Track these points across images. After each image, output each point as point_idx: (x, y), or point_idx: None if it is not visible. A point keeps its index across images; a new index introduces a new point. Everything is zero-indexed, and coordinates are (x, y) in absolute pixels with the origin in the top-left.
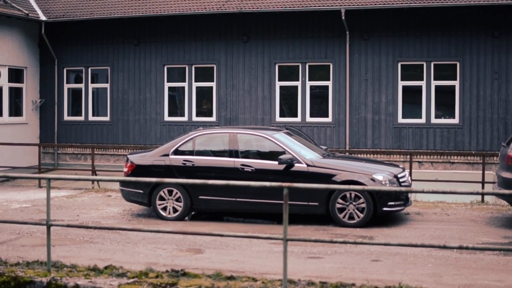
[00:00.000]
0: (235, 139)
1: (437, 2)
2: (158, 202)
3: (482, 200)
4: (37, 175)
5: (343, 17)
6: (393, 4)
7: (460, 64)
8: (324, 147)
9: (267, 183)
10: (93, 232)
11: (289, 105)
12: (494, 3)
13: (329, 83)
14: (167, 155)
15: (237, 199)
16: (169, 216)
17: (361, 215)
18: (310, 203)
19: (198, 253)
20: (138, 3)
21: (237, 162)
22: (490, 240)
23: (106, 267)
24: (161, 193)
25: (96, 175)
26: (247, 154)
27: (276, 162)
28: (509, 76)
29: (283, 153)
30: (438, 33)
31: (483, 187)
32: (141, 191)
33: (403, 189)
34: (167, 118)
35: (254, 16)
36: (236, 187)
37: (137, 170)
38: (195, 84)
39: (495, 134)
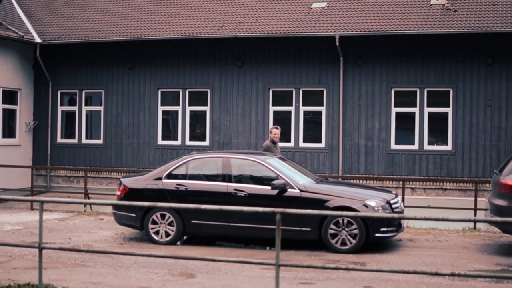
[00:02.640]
0: (228, 163)
1: (431, 29)
2: (150, 226)
3: (475, 227)
4: (29, 198)
5: (337, 43)
6: (387, 31)
7: (453, 91)
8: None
9: (260, 208)
10: (85, 255)
11: (282, 130)
12: (487, 31)
13: (322, 109)
14: (160, 179)
15: (230, 224)
16: (161, 240)
17: (354, 241)
18: (302, 229)
19: (190, 278)
20: (133, 27)
21: (230, 186)
22: (482, 267)
23: None
24: (154, 217)
25: (88, 198)
26: (240, 179)
27: (269, 187)
28: (502, 103)
29: (276, 178)
30: (431, 59)
31: (475, 214)
32: (133, 215)
33: (395, 215)
34: (160, 141)
35: (248, 41)
36: (228, 212)
37: (130, 193)
38: (188, 108)
39: (488, 161)
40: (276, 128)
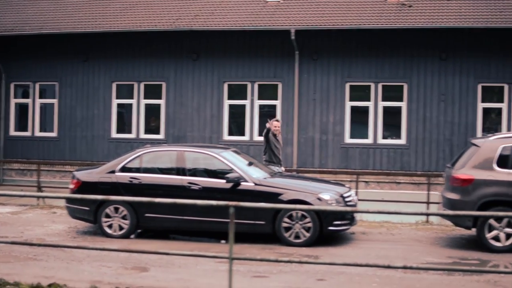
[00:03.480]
0: (182, 157)
1: (386, 24)
2: (104, 219)
3: (427, 221)
4: None
5: (292, 37)
6: (342, 25)
7: (408, 86)
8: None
9: (214, 202)
10: (37, 249)
11: (237, 124)
12: (441, 26)
13: (277, 103)
14: (114, 172)
15: (184, 217)
16: (114, 233)
17: (307, 234)
18: (256, 222)
19: (144, 271)
20: (88, 19)
21: (184, 180)
22: (434, 260)
23: (49, 285)
24: (107, 210)
25: (42, 191)
26: (194, 172)
27: (224, 181)
28: (455, 98)
29: (231, 171)
30: (386, 54)
31: (428, 208)
32: (87, 208)
33: (348, 209)
34: (114, 135)
35: (204, 34)
36: (182, 205)
37: (83, 187)
38: (143, 101)
39: (441, 155)
40: (277, 120)
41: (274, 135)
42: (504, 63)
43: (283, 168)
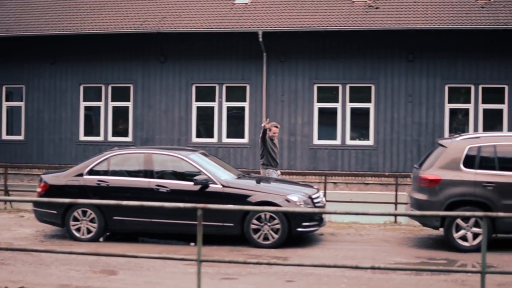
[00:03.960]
0: (150, 159)
1: (353, 26)
2: (71, 223)
3: (395, 221)
4: None
5: (260, 39)
6: (310, 27)
7: (375, 87)
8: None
9: (181, 204)
10: (4, 253)
11: (205, 126)
12: (408, 28)
13: (245, 104)
14: (82, 175)
15: (152, 220)
16: (83, 237)
17: (276, 236)
18: (225, 224)
19: (112, 275)
20: (54, 21)
21: (152, 182)
22: (402, 260)
23: None
24: (75, 214)
25: (8, 195)
26: (162, 175)
27: (192, 183)
28: (422, 99)
29: (199, 173)
30: (353, 56)
31: (396, 208)
32: (54, 212)
33: (316, 210)
34: (82, 137)
35: (171, 36)
36: (150, 208)
37: (51, 190)
38: (111, 104)
39: (409, 155)
40: (276, 126)
41: (271, 139)
42: (471, 64)
43: (279, 172)
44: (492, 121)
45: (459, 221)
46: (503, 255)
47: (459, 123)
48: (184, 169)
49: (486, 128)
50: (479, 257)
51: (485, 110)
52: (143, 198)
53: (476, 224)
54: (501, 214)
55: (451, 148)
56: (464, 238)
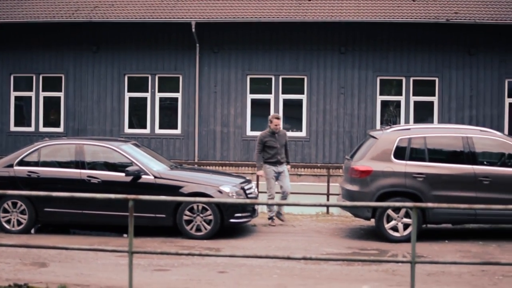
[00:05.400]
0: (81, 150)
1: (286, 17)
2: (1, 214)
3: (327, 212)
4: None
5: (193, 30)
6: (243, 18)
7: (308, 78)
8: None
9: (112, 195)
10: None
11: (138, 117)
12: (340, 20)
13: (178, 95)
14: (12, 166)
15: (84, 211)
16: (13, 229)
17: (208, 227)
18: (157, 215)
19: (43, 267)
20: None
21: (83, 173)
22: (334, 250)
23: None
24: (5, 205)
25: None
26: (94, 166)
27: (123, 174)
28: (355, 91)
29: (130, 164)
30: (286, 47)
31: (328, 199)
32: None
33: (248, 201)
34: (13, 128)
35: (104, 26)
36: (81, 199)
37: None
38: (42, 94)
39: (341, 147)
40: (277, 118)
41: (273, 133)
42: (402, 57)
43: (288, 167)
44: (423, 113)
45: (390, 212)
46: (433, 245)
47: (390, 115)
48: (116, 160)
49: (417, 120)
50: (410, 247)
51: (416, 102)
52: (75, 189)
53: (407, 215)
54: (430, 204)
55: (382, 140)
56: (395, 228)
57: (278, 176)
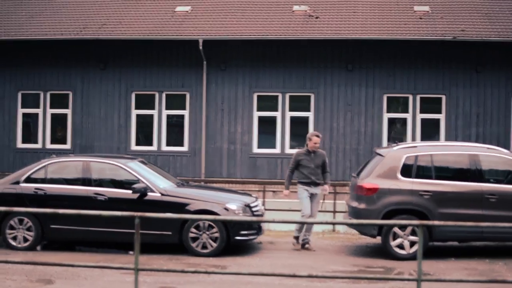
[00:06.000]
0: (88, 167)
1: (293, 35)
2: (8, 231)
3: (334, 229)
4: None
5: (200, 47)
6: (250, 35)
7: (315, 96)
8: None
9: (119, 212)
10: None
11: (145, 134)
12: (347, 38)
13: (185, 112)
14: (18, 183)
15: (90, 229)
16: (19, 246)
17: (215, 244)
18: (163, 232)
19: (49, 284)
20: None
21: (90, 190)
22: (340, 268)
23: None
24: (12, 222)
25: None
26: (100, 183)
27: (130, 191)
28: (361, 108)
29: (137, 181)
30: (293, 65)
31: (334, 217)
32: None
33: (254, 218)
34: (20, 145)
35: (111, 43)
36: (87, 216)
37: None
38: (50, 111)
39: (348, 164)
40: (318, 136)
41: (309, 152)
42: (409, 74)
43: (326, 187)
44: (430, 131)
45: (396, 229)
46: (439, 263)
47: (397, 132)
48: (123, 177)
49: (424, 138)
50: (416, 265)
51: (423, 120)
52: (81, 206)
53: (413, 233)
54: (436, 222)
55: (388, 157)
56: (401, 246)
57: (311, 197)
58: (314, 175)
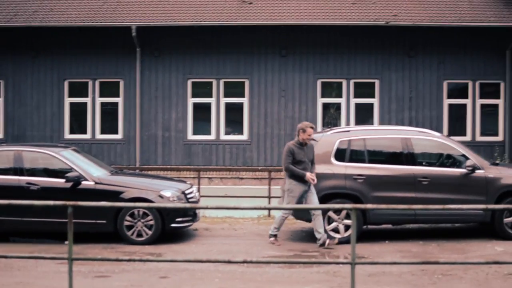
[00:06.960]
0: (20, 156)
1: (226, 21)
2: None
3: (269, 215)
4: None
5: (133, 34)
6: (183, 21)
7: (249, 82)
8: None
9: (51, 202)
10: None
11: (79, 122)
12: (281, 23)
13: (119, 100)
14: None
15: (23, 219)
16: None
17: (150, 232)
18: (98, 221)
19: None
20: None
21: (22, 180)
22: (275, 253)
23: None
24: None
25: None
26: (33, 172)
27: (63, 180)
28: (295, 94)
29: (70, 170)
30: (228, 50)
31: (269, 202)
32: None
33: (188, 205)
34: None
35: (42, 30)
36: (20, 207)
37: None
38: None
39: (282, 150)
40: (312, 127)
41: (302, 145)
42: (342, 59)
43: (314, 177)
44: (364, 115)
45: (331, 213)
46: (374, 246)
47: (331, 117)
48: (56, 166)
49: (358, 122)
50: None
51: (357, 104)
52: (13, 196)
53: (348, 216)
54: (370, 206)
55: (322, 142)
56: (336, 230)
57: (304, 194)
58: (308, 170)
